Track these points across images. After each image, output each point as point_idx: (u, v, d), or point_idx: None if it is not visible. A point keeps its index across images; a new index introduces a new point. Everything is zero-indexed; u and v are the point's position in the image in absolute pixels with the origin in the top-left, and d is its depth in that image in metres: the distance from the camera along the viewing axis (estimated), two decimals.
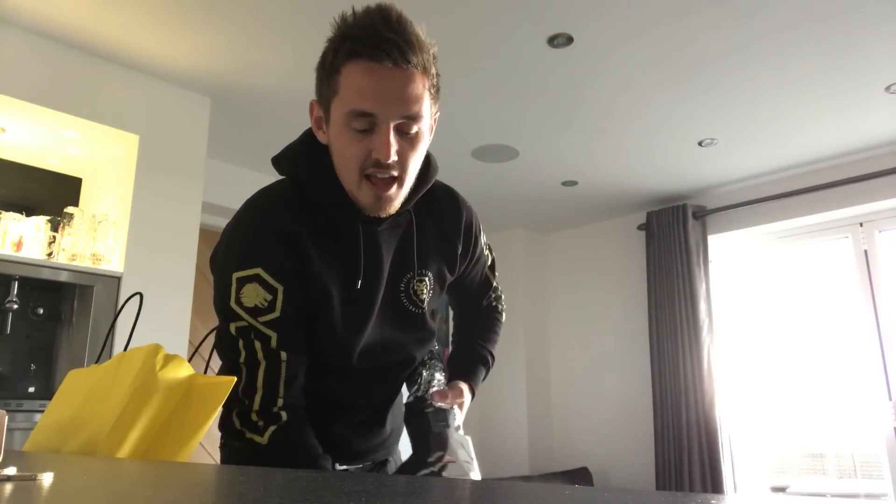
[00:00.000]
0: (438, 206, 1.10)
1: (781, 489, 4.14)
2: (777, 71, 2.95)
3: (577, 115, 3.40)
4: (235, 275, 0.93)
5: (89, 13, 2.56)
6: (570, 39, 2.71)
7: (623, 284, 4.87)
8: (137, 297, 1.08)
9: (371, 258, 1.00)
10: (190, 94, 3.16)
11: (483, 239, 1.20)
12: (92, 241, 2.76)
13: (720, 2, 2.47)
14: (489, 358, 1.24)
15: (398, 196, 0.95)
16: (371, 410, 1.12)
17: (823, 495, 3.91)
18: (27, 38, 2.67)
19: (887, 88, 3.11)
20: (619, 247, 4.94)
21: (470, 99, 3.22)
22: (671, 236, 4.50)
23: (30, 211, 2.76)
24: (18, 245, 2.61)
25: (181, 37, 2.72)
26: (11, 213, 2.65)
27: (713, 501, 0.41)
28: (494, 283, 1.27)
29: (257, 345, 0.93)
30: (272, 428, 0.91)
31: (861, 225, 4.06)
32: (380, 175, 0.91)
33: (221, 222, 3.87)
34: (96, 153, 3.14)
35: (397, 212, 1.00)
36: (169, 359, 0.89)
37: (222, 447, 1.07)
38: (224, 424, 0.98)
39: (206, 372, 1.11)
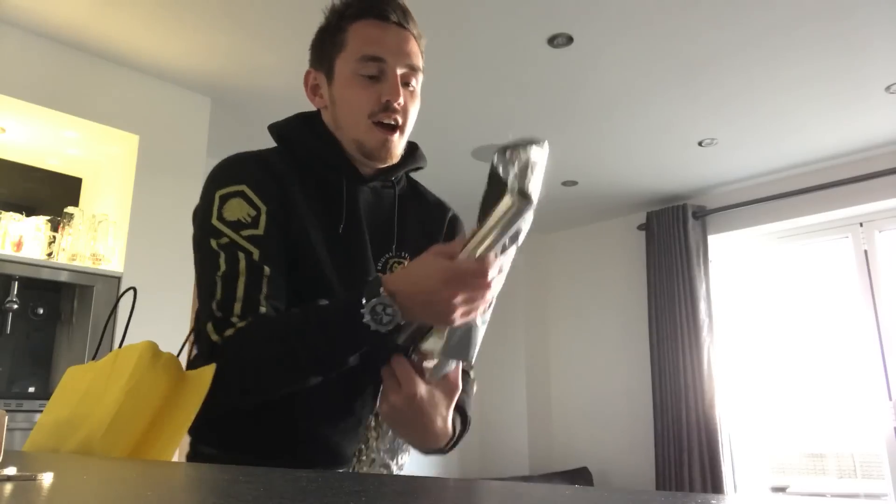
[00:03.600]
0: (425, 199, 1.13)
1: (781, 489, 4.15)
2: (777, 71, 2.95)
3: (577, 115, 3.40)
4: (219, 192, 0.93)
5: (89, 13, 2.56)
6: (570, 39, 2.71)
7: (623, 284, 4.87)
8: (131, 292, 1.07)
9: (352, 211, 1.01)
10: (190, 94, 3.16)
11: None
12: (92, 241, 2.76)
13: (720, 2, 2.47)
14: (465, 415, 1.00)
15: (400, 144, 1.00)
16: (349, 400, 1.02)
17: (823, 495, 3.91)
18: (27, 38, 2.67)
19: (887, 88, 3.11)
20: (619, 247, 4.94)
21: (470, 99, 3.22)
22: (671, 236, 4.50)
23: (30, 211, 2.76)
24: (18, 245, 2.61)
25: (181, 37, 2.72)
26: (11, 213, 2.65)
27: (713, 501, 0.41)
28: None
29: (240, 256, 0.88)
30: (251, 316, 0.85)
31: (861, 225, 4.06)
32: (386, 120, 0.96)
33: None
34: (96, 153, 3.14)
35: (382, 180, 1.04)
36: (161, 357, 0.89)
37: (195, 454, 1.02)
38: (199, 338, 0.91)
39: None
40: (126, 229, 2.83)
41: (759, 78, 3.01)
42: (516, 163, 0.68)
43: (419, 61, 0.99)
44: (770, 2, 2.47)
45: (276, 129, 1.08)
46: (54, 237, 2.73)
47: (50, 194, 3.17)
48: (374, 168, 1.03)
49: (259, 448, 0.96)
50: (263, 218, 0.91)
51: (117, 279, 2.75)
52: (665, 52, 2.81)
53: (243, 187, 0.93)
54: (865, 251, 4.01)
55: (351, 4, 0.97)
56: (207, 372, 0.84)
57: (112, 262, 2.79)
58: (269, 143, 1.13)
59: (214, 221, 0.90)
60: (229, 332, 0.84)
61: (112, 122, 2.87)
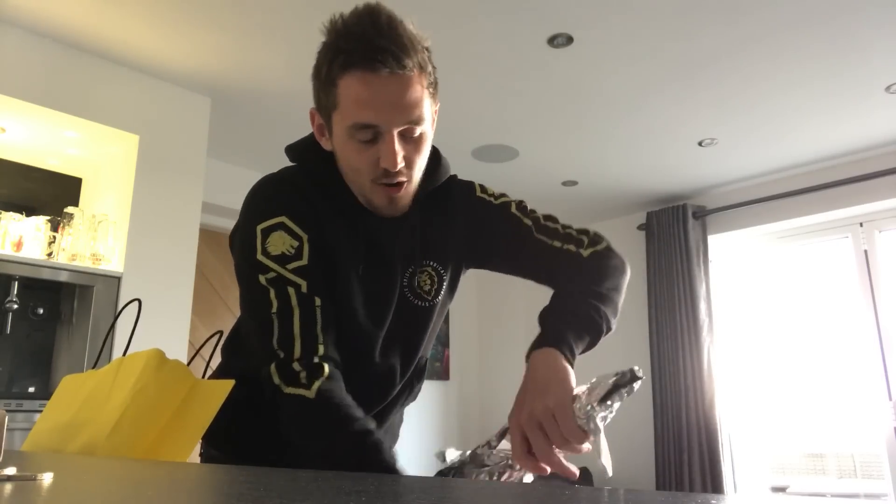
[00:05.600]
0: (453, 203, 1.08)
1: (781, 489, 4.14)
2: (777, 71, 2.95)
3: (577, 115, 3.40)
4: (260, 226, 0.92)
5: (89, 13, 2.56)
6: (570, 39, 2.71)
7: None
8: (136, 303, 1.07)
9: (372, 244, 0.99)
10: (190, 94, 3.16)
11: (497, 200, 1.10)
12: (92, 241, 2.76)
13: (720, 2, 2.47)
14: (591, 312, 0.97)
15: (408, 195, 0.97)
16: (382, 413, 1.07)
17: (823, 495, 3.91)
18: (27, 38, 2.67)
19: (887, 88, 3.11)
20: (619, 247, 4.88)
21: (470, 99, 3.22)
22: (671, 236, 4.50)
23: (30, 211, 2.76)
24: (18, 245, 2.61)
25: (181, 37, 2.72)
26: (11, 213, 2.65)
27: (713, 501, 0.41)
28: (573, 231, 1.13)
29: (290, 291, 0.89)
30: (318, 382, 0.85)
31: (861, 225, 4.06)
32: (389, 182, 0.92)
33: (221, 222, 3.86)
34: (96, 153, 3.14)
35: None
36: (169, 363, 0.89)
37: (201, 455, 1.06)
38: (265, 380, 0.90)
39: (205, 372, 1.11)
40: (126, 229, 2.83)
41: (759, 78, 3.01)
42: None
43: (422, 108, 0.89)
44: (770, 2, 2.47)
45: (292, 154, 1.03)
46: (54, 237, 2.73)
47: (50, 194, 3.17)
48: None
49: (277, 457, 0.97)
50: (306, 247, 0.92)
51: (117, 279, 2.75)
52: (665, 52, 2.81)
53: (283, 219, 0.92)
54: (865, 251, 4.01)
55: (339, 52, 0.87)
56: (225, 385, 0.86)
57: (112, 262, 2.79)
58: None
59: (260, 257, 0.90)
60: (291, 389, 0.85)
61: (112, 122, 2.87)
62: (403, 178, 0.92)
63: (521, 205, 1.10)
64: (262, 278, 0.90)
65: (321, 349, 0.87)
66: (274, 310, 0.88)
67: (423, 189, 1.00)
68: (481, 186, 1.11)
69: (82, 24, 2.63)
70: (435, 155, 1.02)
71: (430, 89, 0.92)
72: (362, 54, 0.85)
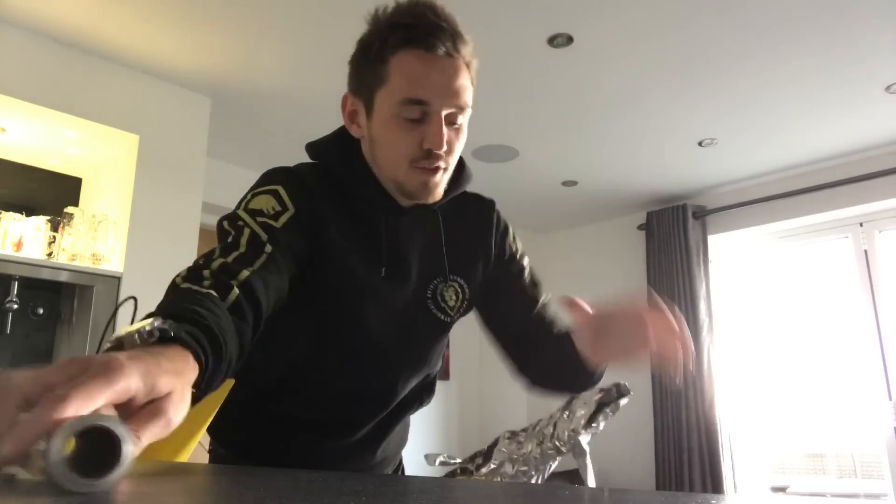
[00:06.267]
0: (468, 209, 1.07)
1: (781, 489, 4.14)
2: (777, 71, 2.95)
3: (577, 115, 3.40)
4: (253, 192, 0.90)
5: (89, 13, 2.56)
6: (570, 39, 2.71)
7: (623, 284, 4.87)
8: (132, 301, 1.07)
9: (393, 248, 0.97)
10: (190, 94, 3.15)
11: (519, 246, 1.11)
12: (92, 241, 2.76)
13: (720, 2, 2.47)
14: None
15: (442, 182, 0.94)
16: (369, 429, 1.03)
17: (823, 495, 3.91)
18: (27, 38, 2.67)
19: (887, 88, 3.11)
20: (619, 247, 4.94)
21: None
22: (671, 236, 4.50)
23: (30, 211, 2.76)
24: (18, 245, 2.61)
25: (181, 37, 2.72)
26: (11, 213, 2.65)
27: (713, 501, 0.41)
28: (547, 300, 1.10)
29: (245, 232, 0.82)
30: (220, 291, 0.70)
31: (861, 225, 4.06)
32: (428, 165, 0.90)
33: None
34: (96, 153, 3.14)
35: (422, 208, 0.98)
36: None
37: (210, 452, 1.06)
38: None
39: None
40: (126, 229, 2.83)
41: (759, 78, 3.01)
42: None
43: (468, 96, 0.90)
44: (770, 2, 2.47)
45: (312, 151, 1.02)
46: (54, 237, 2.73)
47: (50, 194, 3.17)
48: (414, 202, 0.97)
49: (278, 459, 0.97)
50: (286, 216, 0.86)
51: (117, 279, 2.75)
52: (665, 52, 2.81)
53: (279, 187, 0.90)
54: (865, 251, 4.01)
55: (395, 29, 0.87)
56: (225, 385, 0.86)
57: (112, 262, 2.79)
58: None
59: (238, 211, 0.87)
60: (186, 284, 0.71)
61: (112, 122, 2.87)
62: (442, 164, 0.91)
63: (534, 276, 1.11)
64: (226, 222, 0.84)
65: (244, 275, 0.74)
66: (219, 245, 0.80)
67: (445, 195, 0.98)
68: (514, 234, 1.11)
69: (82, 24, 2.63)
70: (461, 163, 1.01)
71: (472, 84, 0.93)
72: (422, 31, 0.86)
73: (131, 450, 0.44)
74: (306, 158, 1.02)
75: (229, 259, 0.76)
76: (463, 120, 0.91)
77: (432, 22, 0.86)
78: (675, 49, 2.78)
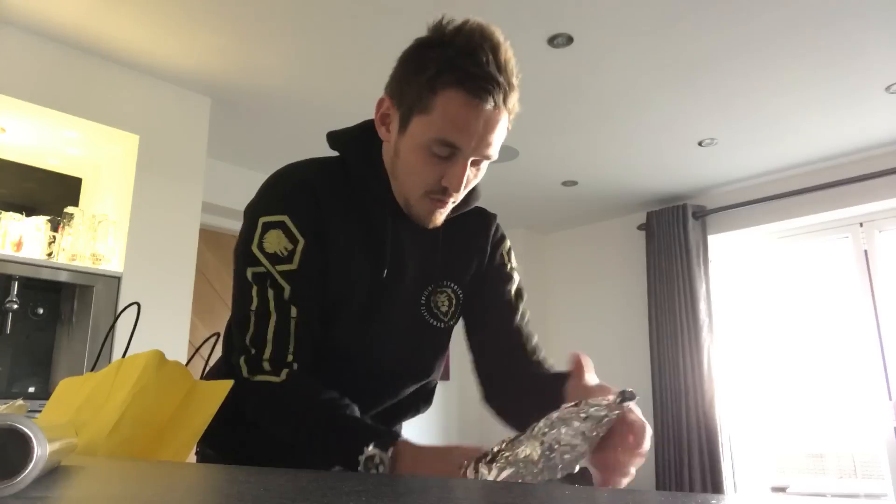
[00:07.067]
0: (469, 219, 1.09)
1: (781, 489, 4.14)
2: (777, 71, 2.95)
3: (577, 115, 3.40)
4: (262, 219, 0.94)
5: (89, 13, 2.56)
6: (570, 39, 2.71)
7: (623, 284, 4.87)
8: (135, 306, 1.08)
9: (396, 254, 0.99)
10: (190, 94, 3.16)
11: (513, 263, 1.14)
12: (92, 241, 2.76)
13: (720, 2, 2.47)
14: None
15: (447, 212, 0.98)
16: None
17: (823, 495, 3.91)
18: (27, 38, 2.67)
19: (887, 88, 3.11)
20: (619, 247, 4.94)
21: None
22: (671, 236, 4.50)
23: (30, 211, 2.76)
24: (18, 245, 2.61)
25: (181, 37, 2.72)
26: (11, 213, 2.65)
27: (713, 501, 0.41)
28: (525, 322, 1.11)
29: (270, 294, 0.91)
30: (286, 370, 0.89)
31: (861, 225, 4.06)
32: (441, 198, 0.94)
33: (221, 222, 3.87)
34: (96, 153, 3.14)
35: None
36: (169, 364, 0.90)
37: (198, 454, 1.07)
38: (232, 375, 0.92)
39: (204, 372, 1.12)
40: (126, 229, 2.83)
41: (759, 78, 3.01)
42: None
43: (498, 147, 0.91)
44: (770, 2, 2.47)
45: (332, 140, 1.03)
46: (54, 237, 2.73)
47: (50, 194, 3.17)
48: None
49: (267, 460, 0.98)
50: (299, 251, 0.93)
51: (117, 279, 2.75)
52: (665, 52, 2.81)
53: (285, 218, 0.93)
54: (865, 251, 4.01)
55: (455, 64, 0.86)
56: (224, 385, 0.87)
57: (112, 262, 2.79)
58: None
59: (254, 248, 0.92)
60: (259, 377, 0.88)
61: (112, 122, 2.87)
62: (454, 200, 0.95)
63: (521, 289, 1.12)
64: (249, 272, 0.92)
65: (291, 357, 0.90)
66: (253, 307, 0.91)
67: (454, 210, 1.00)
68: (510, 249, 1.15)
69: (82, 24, 2.63)
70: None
71: (509, 129, 0.94)
72: (479, 81, 0.86)
73: (45, 449, 0.43)
74: (306, 158, 1.03)
75: (269, 336, 0.90)
76: (486, 164, 0.94)
77: (490, 74, 0.87)
78: (675, 49, 2.78)
